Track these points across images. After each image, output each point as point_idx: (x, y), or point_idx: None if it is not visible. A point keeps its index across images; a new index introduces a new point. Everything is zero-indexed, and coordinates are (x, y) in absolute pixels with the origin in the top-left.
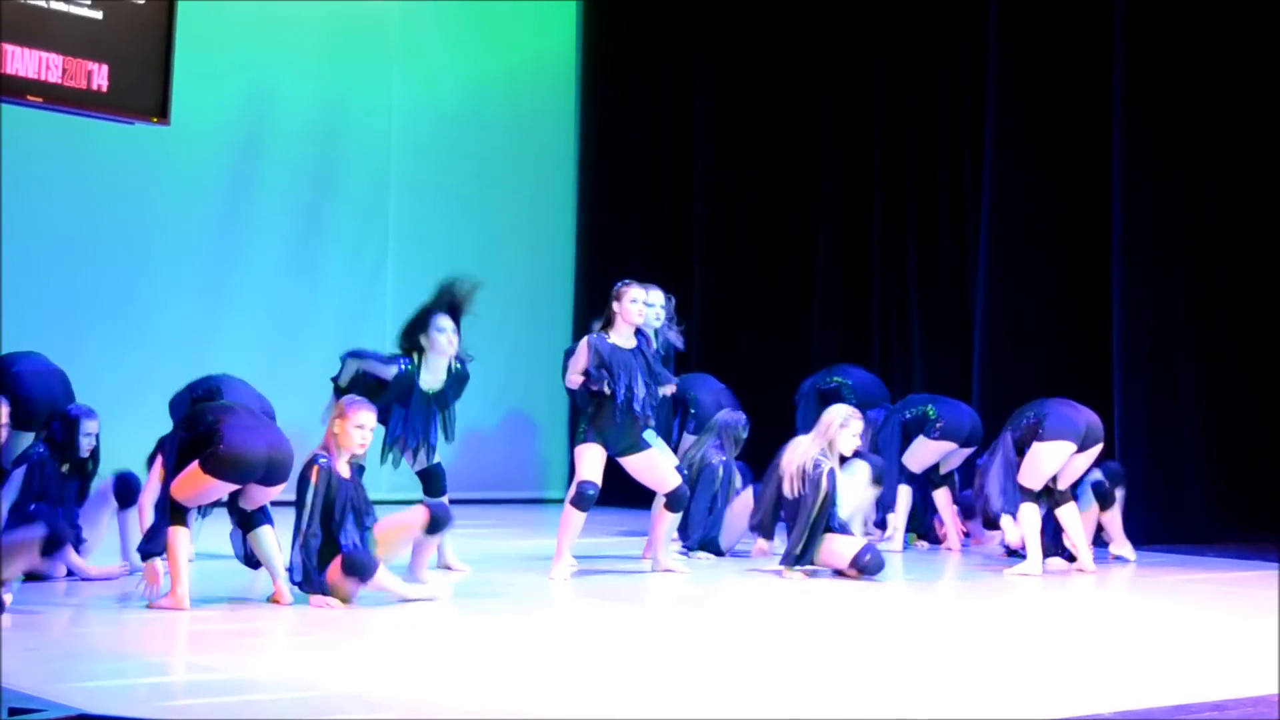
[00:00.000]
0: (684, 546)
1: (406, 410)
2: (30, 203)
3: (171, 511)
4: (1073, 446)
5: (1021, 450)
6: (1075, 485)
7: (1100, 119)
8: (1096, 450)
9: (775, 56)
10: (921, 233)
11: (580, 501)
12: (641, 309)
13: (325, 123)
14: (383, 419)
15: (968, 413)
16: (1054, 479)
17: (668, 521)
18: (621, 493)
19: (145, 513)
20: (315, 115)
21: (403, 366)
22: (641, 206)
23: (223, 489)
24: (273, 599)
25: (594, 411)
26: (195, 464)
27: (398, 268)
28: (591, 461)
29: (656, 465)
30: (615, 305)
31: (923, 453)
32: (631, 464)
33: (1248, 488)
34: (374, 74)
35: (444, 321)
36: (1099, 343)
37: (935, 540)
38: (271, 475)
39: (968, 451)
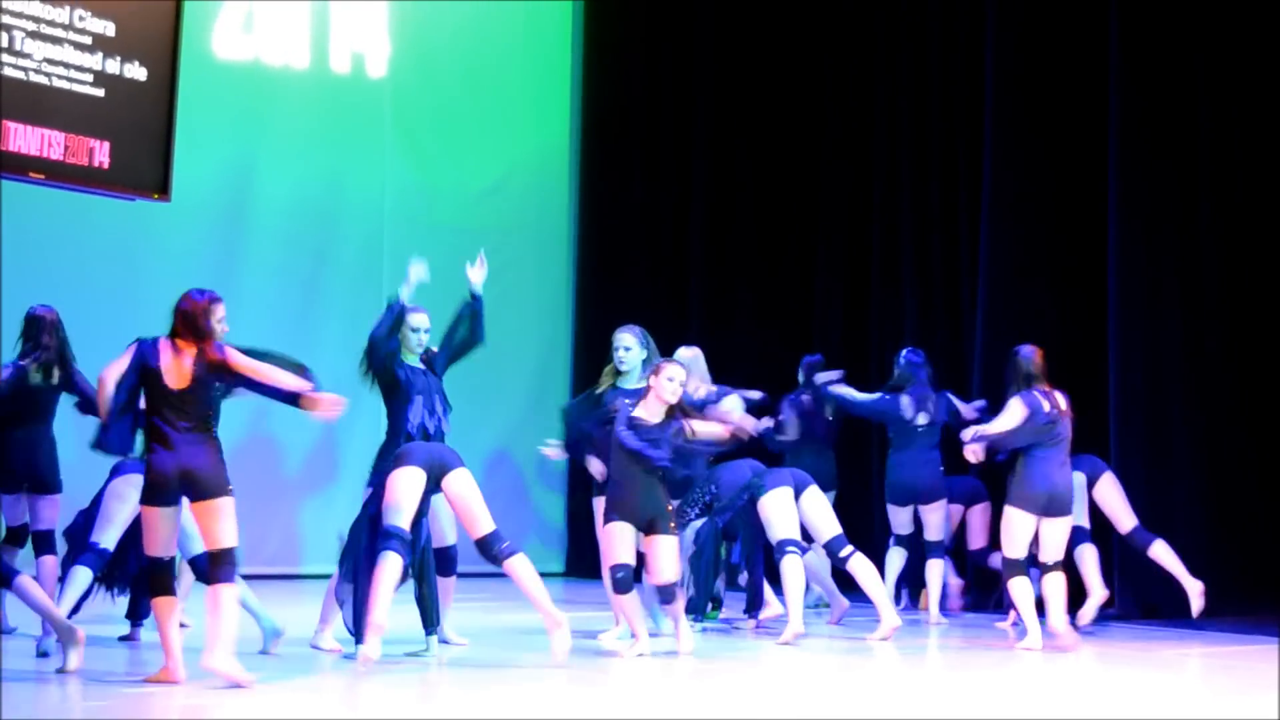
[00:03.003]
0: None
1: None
2: (27, 276)
3: (151, 579)
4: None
5: None
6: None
7: (1096, 164)
8: (1067, 520)
9: (776, 136)
10: (921, 287)
11: (622, 586)
12: (677, 388)
13: (320, 197)
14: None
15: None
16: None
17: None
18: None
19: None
20: (310, 189)
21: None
22: (640, 279)
23: (166, 516)
24: (160, 675)
25: (615, 489)
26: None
27: None
28: (621, 542)
29: (671, 552)
30: (651, 380)
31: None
32: (649, 542)
33: (1245, 560)
34: (368, 148)
35: (417, 320)
36: (1094, 408)
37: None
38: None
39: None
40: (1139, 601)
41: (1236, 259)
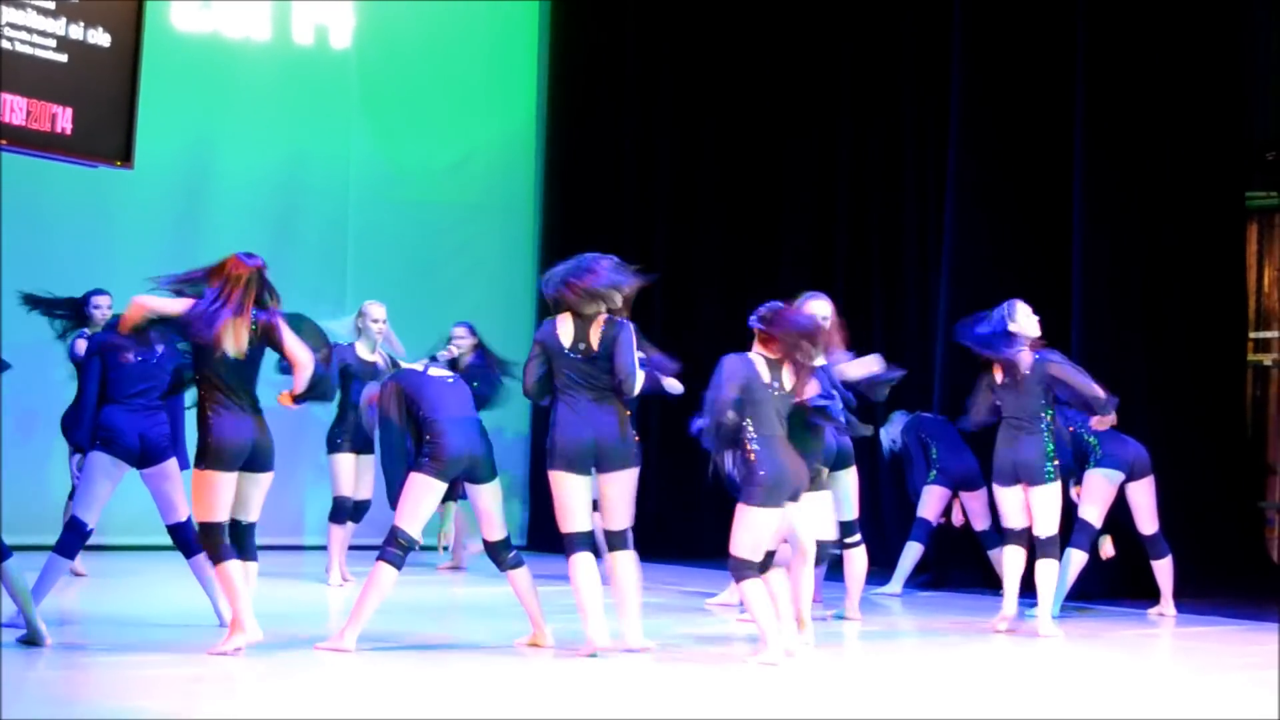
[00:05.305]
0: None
1: None
2: None
3: (208, 543)
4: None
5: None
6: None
7: (1061, 181)
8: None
9: (744, 115)
10: (886, 285)
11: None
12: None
13: (284, 170)
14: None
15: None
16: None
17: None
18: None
19: None
20: (274, 162)
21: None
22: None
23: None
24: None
25: None
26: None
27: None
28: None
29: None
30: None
31: None
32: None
33: (1200, 544)
34: (333, 123)
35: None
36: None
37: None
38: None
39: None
40: (1099, 581)
41: (1197, 263)
